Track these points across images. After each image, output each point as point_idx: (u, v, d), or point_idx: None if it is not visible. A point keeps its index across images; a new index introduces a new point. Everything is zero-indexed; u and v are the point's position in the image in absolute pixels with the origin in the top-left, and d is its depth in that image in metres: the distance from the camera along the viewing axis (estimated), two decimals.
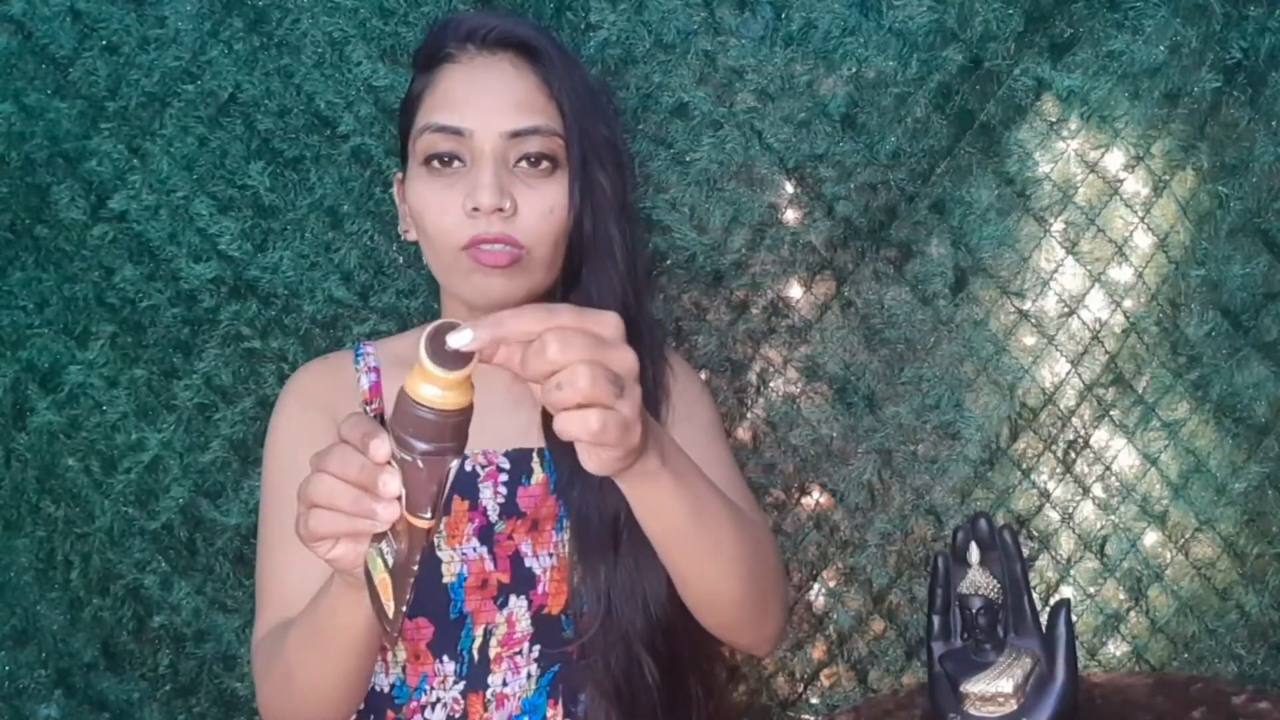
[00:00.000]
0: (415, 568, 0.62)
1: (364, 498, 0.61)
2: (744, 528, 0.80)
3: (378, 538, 0.64)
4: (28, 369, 1.17)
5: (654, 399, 0.94)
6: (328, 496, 0.62)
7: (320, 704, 0.81)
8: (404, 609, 0.64)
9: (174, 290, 1.15)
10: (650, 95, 1.13)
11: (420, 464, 0.60)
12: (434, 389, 0.58)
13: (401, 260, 1.16)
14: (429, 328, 0.58)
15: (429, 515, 0.61)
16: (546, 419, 0.90)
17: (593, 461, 0.64)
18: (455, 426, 0.60)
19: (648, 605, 0.88)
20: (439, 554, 0.91)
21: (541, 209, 0.89)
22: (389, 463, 0.60)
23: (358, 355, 0.99)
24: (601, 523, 0.89)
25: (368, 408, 0.95)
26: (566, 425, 0.61)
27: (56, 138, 1.13)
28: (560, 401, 0.60)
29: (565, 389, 0.59)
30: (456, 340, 0.58)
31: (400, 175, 0.98)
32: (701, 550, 0.76)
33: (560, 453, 0.91)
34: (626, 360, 0.62)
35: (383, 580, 0.64)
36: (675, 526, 0.74)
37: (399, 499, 0.61)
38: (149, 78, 1.13)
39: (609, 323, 0.62)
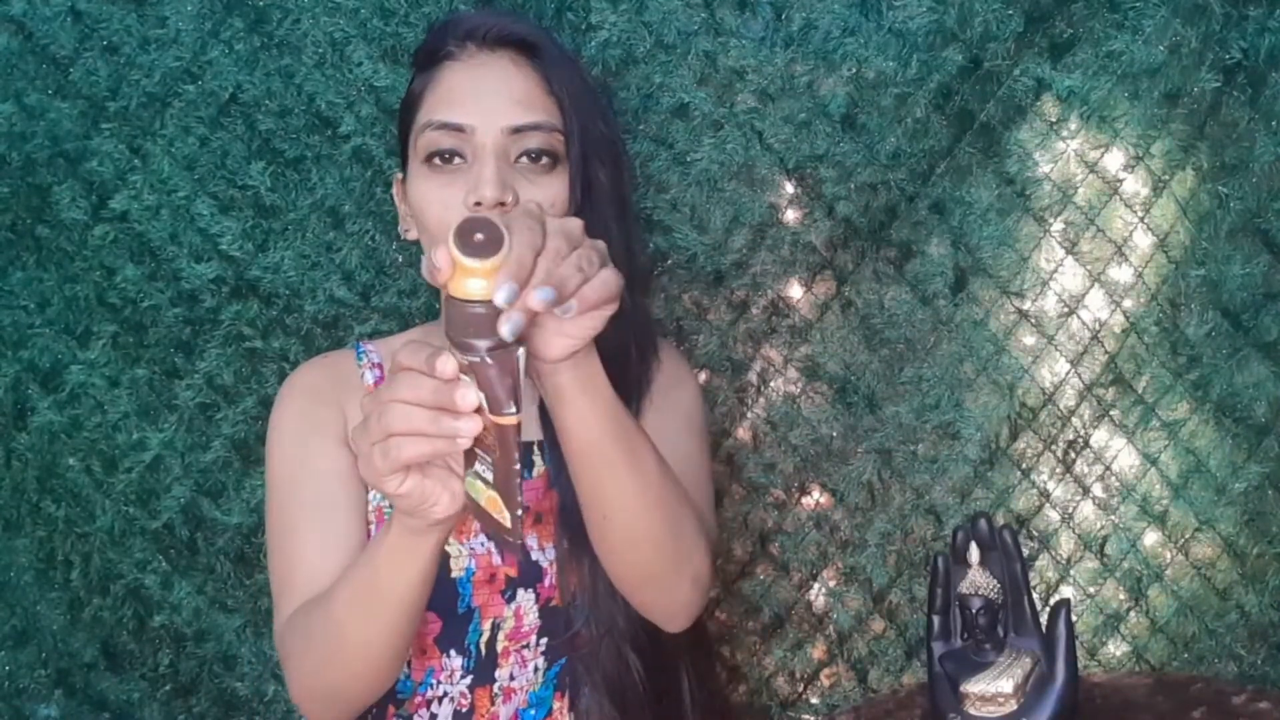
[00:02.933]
0: (517, 466, 0.63)
1: (443, 418, 0.62)
2: (669, 475, 0.81)
3: (469, 459, 0.65)
4: (29, 369, 1.17)
5: (639, 393, 0.95)
6: (406, 422, 0.62)
7: (370, 665, 0.80)
8: (520, 513, 0.64)
9: (175, 290, 1.16)
10: (651, 96, 1.13)
11: (490, 361, 0.61)
12: (478, 281, 0.60)
13: (402, 260, 1.16)
14: (454, 228, 0.60)
15: (513, 410, 0.62)
16: (544, 410, 0.91)
17: (575, 328, 0.67)
18: None
19: (629, 601, 0.89)
20: (447, 549, 0.91)
21: (543, 203, 0.89)
22: (459, 379, 0.61)
23: (359, 353, 1.00)
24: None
25: None
26: (603, 287, 0.66)
27: (57, 138, 1.14)
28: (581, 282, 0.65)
29: (585, 265, 0.65)
30: (502, 296, 0.60)
31: (400, 176, 0.98)
32: (622, 473, 0.76)
33: (554, 442, 0.92)
34: (577, 223, 0.68)
35: (490, 499, 0.64)
36: (600, 439, 0.74)
37: (479, 410, 0.62)
38: (150, 78, 1.13)
39: (540, 210, 0.67)
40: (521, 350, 0.62)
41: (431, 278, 0.62)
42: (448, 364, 0.61)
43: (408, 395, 0.62)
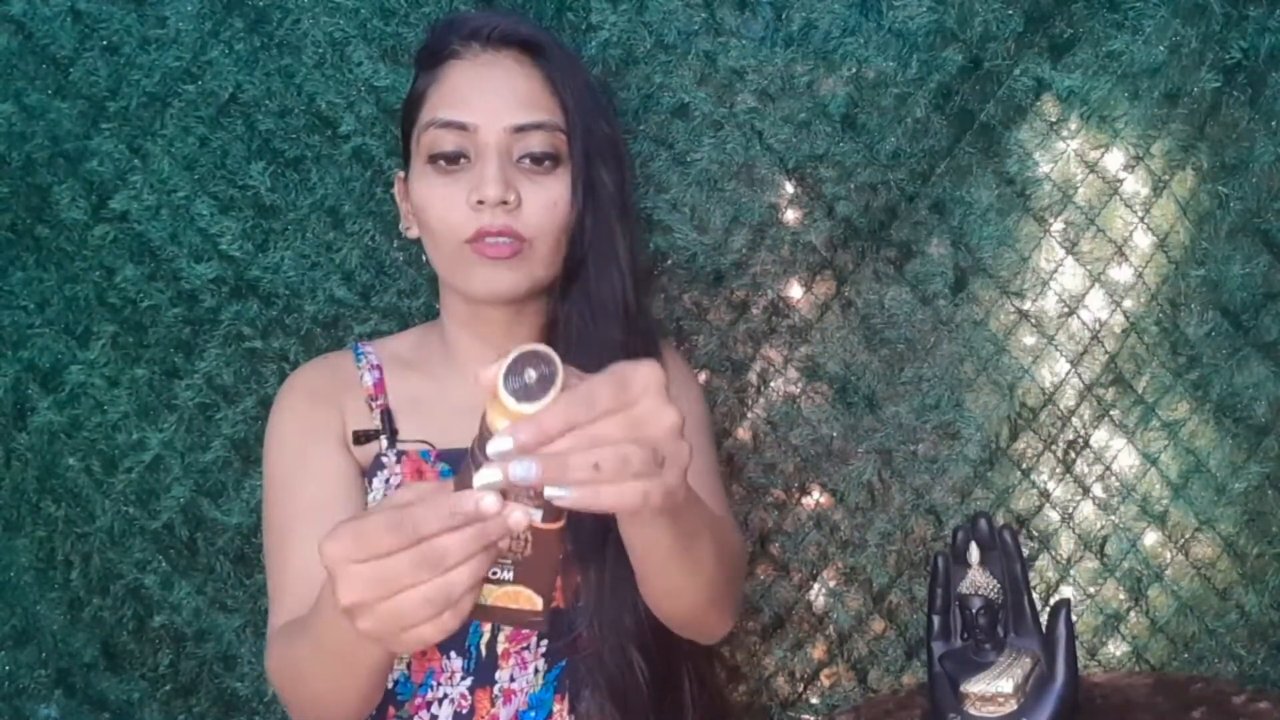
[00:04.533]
0: (561, 555, 0.62)
1: (488, 556, 0.59)
2: (722, 546, 0.80)
3: None
4: (29, 369, 1.17)
5: None
6: (473, 577, 0.58)
7: (333, 708, 0.80)
8: (553, 592, 0.63)
9: (175, 290, 1.16)
10: (651, 96, 1.13)
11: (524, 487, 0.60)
12: (506, 422, 0.58)
13: (402, 260, 1.16)
14: (504, 364, 0.57)
15: (563, 518, 0.62)
16: None
17: (614, 502, 0.60)
18: None
19: (635, 604, 0.89)
20: None
21: (545, 202, 0.89)
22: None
23: (358, 354, 1.00)
24: (593, 519, 0.89)
25: (373, 403, 0.96)
26: (616, 499, 0.57)
27: (57, 138, 1.14)
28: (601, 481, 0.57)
29: (605, 467, 0.57)
30: (495, 447, 0.57)
31: (401, 174, 0.98)
32: (678, 572, 0.76)
33: None
34: (666, 420, 0.59)
35: (505, 594, 0.63)
36: (660, 553, 0.74)
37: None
38: (150, 78, 1.13)
39: (644, 382, 0.59)
40: None
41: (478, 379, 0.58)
42: (491, 501, 0.57)
43: (461, 554, 0.57)
